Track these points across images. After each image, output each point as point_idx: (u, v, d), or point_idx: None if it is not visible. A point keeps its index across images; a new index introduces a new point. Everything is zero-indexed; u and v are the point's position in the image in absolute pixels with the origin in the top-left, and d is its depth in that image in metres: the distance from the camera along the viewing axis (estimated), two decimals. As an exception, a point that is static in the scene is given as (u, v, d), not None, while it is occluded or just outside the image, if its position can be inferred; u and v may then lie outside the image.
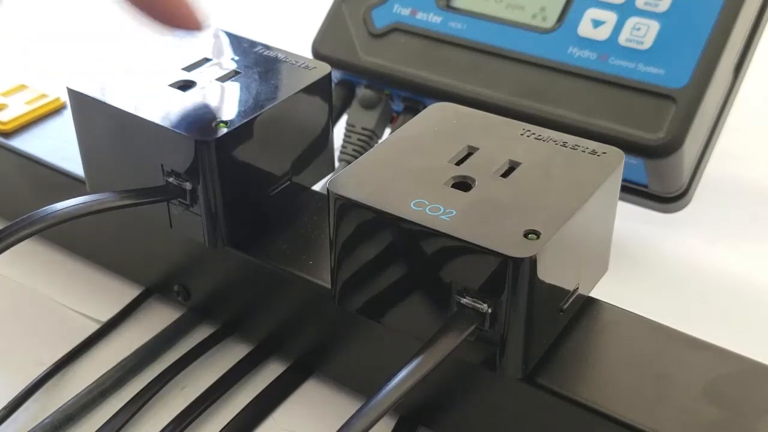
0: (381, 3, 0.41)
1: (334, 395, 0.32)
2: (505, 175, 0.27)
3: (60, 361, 0.33)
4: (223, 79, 0.31)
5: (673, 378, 0.26)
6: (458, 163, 0.27)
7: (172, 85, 0.31)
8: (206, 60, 0.33)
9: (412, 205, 0.25)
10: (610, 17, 0.37)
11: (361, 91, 0.41)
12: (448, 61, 0.39)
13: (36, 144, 0.37)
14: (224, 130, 0.28)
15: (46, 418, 0.31)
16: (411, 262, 0.25)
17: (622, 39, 0.36)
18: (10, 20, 0.64)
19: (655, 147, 0.34)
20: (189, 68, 0.32)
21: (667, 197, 0.38)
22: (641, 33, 0.36)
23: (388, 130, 0.43)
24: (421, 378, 0.23)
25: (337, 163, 0.37)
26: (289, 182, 0.32)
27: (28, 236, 0.26)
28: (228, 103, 0.30)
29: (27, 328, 0.36)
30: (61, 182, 0.36)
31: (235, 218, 0.30)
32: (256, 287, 0.32)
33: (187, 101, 0.30)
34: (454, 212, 0.25)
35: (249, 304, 0.33)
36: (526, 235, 0.24)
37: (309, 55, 0.40)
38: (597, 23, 0.37)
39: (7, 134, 0.38)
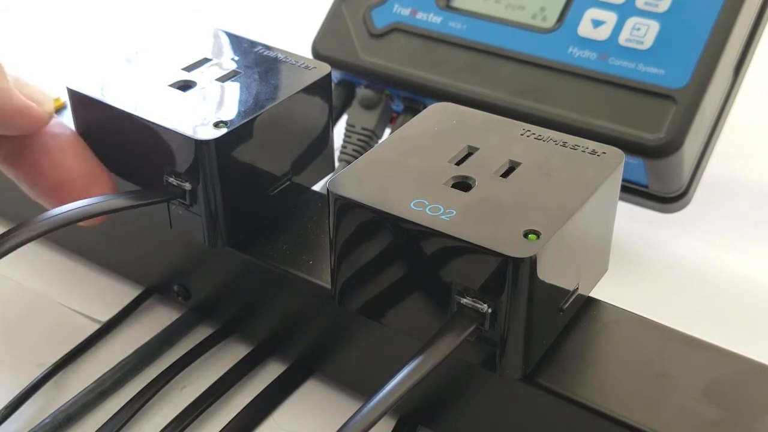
0: (381, 3, 0.41)
1: (334, 395, 0.32)
2: (505, 175, 0.27)
3: (60, 361, 0.33)
4: (223, 79, 0.31)
5: (673, 378, 0.26)
6: (458, 163, 0.27)
7: (172, 85, 0.31)
8: (206, 60, 0.33)
9: (412, 205, 0.25)
10: (610, 17, 0.37)
11: (361, 91, 0.41)
12: (448, 61, 0.39)
13: (36, 144, 0.37)
14: (224, 130, 0.28)
15: (46, 418, 0.31)
16: (411, 262, 0.25)
17: (622, 39, 0.36)
18: (10, 20, 0.64)
19: (655, 147, 0.34)
20: (189, 68, 0.32)
21: (667, 197, 0.38)
22: (641, 33, 0.36)
23: (388, 130, 0.43)
24: (421, 378, 0.23)
25: (337, 163, 0.37)
26: (289, 182, 0.32)
27: (30, 240, 0.26)
28: (228, 103, 0.30)
29: (27, 328, 0.36)
30: (61, 182, 0.36)
31: (235, 218, 0.30)
32: (256, 287, 0.32)
33: (187, 101, 0.30)
34: (454, 212, 0.25)
35: (249, 304, 0.33)
36: (526, 235, 0.24)
37: (309, 55, 0.40)
38: (597, 23, 0.37)
39: (7, 134, 0.38)
